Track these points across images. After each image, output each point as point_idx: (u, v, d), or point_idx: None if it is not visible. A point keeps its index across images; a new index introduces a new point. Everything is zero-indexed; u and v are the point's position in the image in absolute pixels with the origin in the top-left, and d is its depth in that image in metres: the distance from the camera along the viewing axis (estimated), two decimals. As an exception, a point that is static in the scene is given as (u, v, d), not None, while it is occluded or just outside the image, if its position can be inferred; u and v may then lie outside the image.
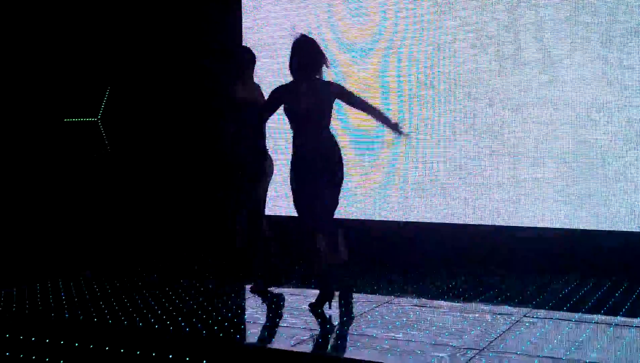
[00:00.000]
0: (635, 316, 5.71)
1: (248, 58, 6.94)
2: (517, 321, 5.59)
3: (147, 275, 7.58)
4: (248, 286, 6.90)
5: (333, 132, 6.17)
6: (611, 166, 7.18)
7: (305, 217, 6.16)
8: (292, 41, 6.16)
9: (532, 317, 5.70)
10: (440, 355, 4.84)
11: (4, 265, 8.19)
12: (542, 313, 5.85)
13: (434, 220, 7.96)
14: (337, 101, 6.14)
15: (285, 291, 6.77)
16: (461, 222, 7.84)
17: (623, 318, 5.65)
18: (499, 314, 5.81)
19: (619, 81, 7.10)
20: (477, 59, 7.70)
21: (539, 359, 4.71)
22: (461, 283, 6.95)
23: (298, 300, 6.41)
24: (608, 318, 5.64)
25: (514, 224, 7.60)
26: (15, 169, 9.36)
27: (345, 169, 6.16)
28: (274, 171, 6.90)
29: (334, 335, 5.47)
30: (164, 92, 9.53)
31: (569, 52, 7.30)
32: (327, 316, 5.88)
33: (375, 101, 7.05)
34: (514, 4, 7.51)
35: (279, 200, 8.31)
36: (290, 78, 6.15)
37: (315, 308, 6.07)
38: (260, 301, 6.53)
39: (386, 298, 6.45)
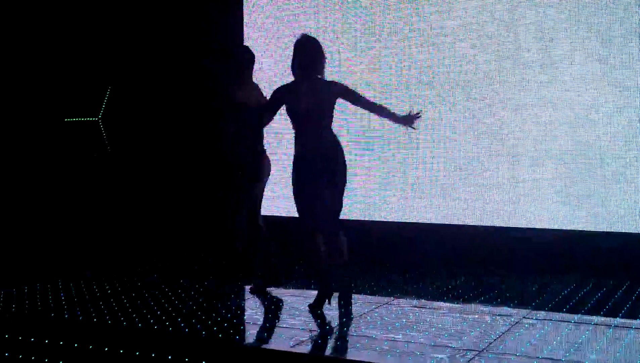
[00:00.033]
0: (635, 318, 5.71)
1: (248, 58, 6.93)
2: (517, 322, 5.59)
3: (147, 275, 7.58)
4: (248, 287, 6.90)
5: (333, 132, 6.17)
6: (610, 167, 7.17)
7: (305, 217, 6.16)
8: (293, 41, 6.17)
9: (532, 318, 5.70)
10: (440, 356, 4.83)
11: (4, 265, 8.19)
12: (541, 314, 5.85)
13: (433, 221, 7.97)
14: (339, 101, 6.14)
15: (285, 291, 6.78)
16: (461, 223, 7.85)
17: (622, 320, 5.64)
18: (499, 315, 5.81)
19: (618, 82, 7.10)
20: (477, 59, 7.70)
21: (539, 360, 4.71)
22: (461, 284, 6.95)
23: (298, 301, 6.40)
24: (607, 320, 5.64)
25: (513, 225, 7.60)
26: (16, 170, 9.37)
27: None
28: (272, 171, 6.90)
29: (333, 336, 5.46)
30: (164, 92, 9.53)
31: (569, 53, 7.30)
32: (327, 317, 5.88)
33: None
34: (514, 4, 7.50)
35: (279, 200, 8.32)
36: (291, 78, 6.15)
37: (315, 309, 6.07)
38: (260, 301, 6.53)
39: (386, 299, 6.44)
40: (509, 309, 6.01)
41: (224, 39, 8.97)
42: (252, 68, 6.93)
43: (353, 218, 8.09)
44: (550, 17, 7.36)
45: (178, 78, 9.40)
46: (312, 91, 6.05)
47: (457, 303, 6.24)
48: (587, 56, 7.23)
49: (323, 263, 6.17)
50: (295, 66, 6.11)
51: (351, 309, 6.03)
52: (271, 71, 8.52)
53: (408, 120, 6.07)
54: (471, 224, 7.79)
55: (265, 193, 6.94)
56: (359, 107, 6.36)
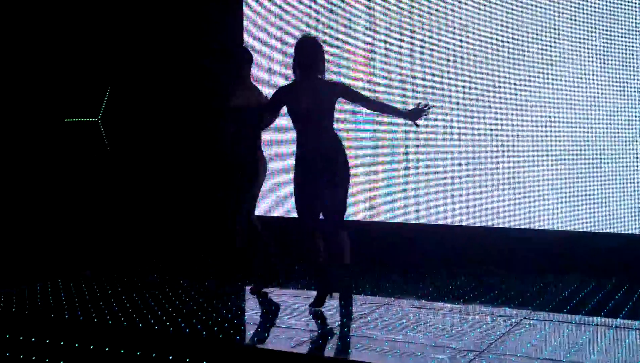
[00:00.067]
0: (636, 319, 5.70)
1: (247, 58, 6.94)
2: (517, 323, 5.59)
3: (147, 275, 7.58)
4: (248, 287, 6.90)
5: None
6: (610, 167, 7.17)
7: (305, 217, 6.17)
8: (294, 41, 6.18)
9: (532, 319, 5.70)
10: (440, 357, 4.84)
11: (4, 265, 8.19)
12: (542, 315, 5.85)
13: (433, 221, 7.96)
14: (342, 101, 6.15)
15: (285, 292, 6.78)
16: (461, 223, 7.84)
17: (623, 321, 5.64)
18: (499, 316, 5.81)
19: (618, 81, 7.10)
20: (477, 59, 7.69)
21: (539, 361, 4.71)
22: (461, 285, 6.94)
23: (298, 301, 6.41)
24: (608, 320, 5.64)
25: (513, 226, 7.59)
26: (16, 170, 9.36)
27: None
28: (272, 172, 6.91)
29: (333, 337, 5.46)
30: (164, 92, 9.53)
31: (569, 52, 7.30)
32: (327, 318, 5.88)
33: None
34: (514, 4, 7.50)
35: (279, 200, 8.33)
36: (292, 78, 6.16)
37: (315, 308, 6.08)
38: (260, 302, 6.52)
39: (386, 299, 6.44)
40: (509, 310, 6.01)
41: (224, 39, 8.96)
42: (250, 68, 6.94)
43: (353, 218, 8.09)
44: (550, 17, 7.36)
45: (178, 78, 9.40)
46: (312, 91, 6.05)
47: (457, 304, 6.24)
48: (587, 56, 7.22)
49: (322, 263, 6.18)
50: (296, 67, 6.12)
51: (352, 309, 6.03)
52: (272, 72, 8.51)
53: (415, 114, 6.06)
54: (471, 224, 7.79)
55: (265, 193, 6.95)
56: (359, 107, 6.37)
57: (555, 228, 7.38)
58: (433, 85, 7.87)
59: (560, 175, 7.37)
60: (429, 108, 6.06)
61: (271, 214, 8.55)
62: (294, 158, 6.24)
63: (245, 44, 8.69)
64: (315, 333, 5.53)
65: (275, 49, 8.69)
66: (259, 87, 6.94)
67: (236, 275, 7.01)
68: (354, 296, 6.24)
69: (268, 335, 5.52)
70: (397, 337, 5.28)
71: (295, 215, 6.23)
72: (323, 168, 6.08)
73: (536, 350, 4.95)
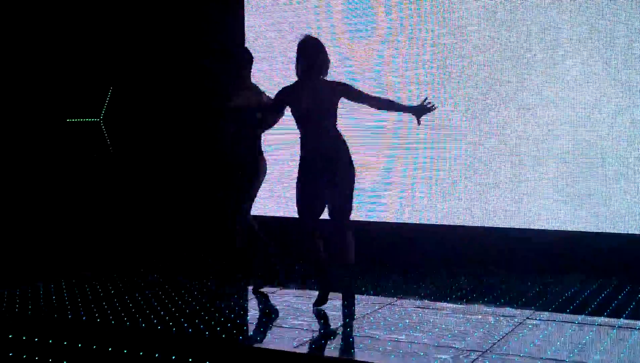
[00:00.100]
0: (639, 319, 5.71)
1: (247, 58, 6.94)
2: (520, 323, 5.58)
3: (149, 275, 7.57)
4: (250, 287, 6.91)
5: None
6: (612, 167, 7.17)
7: (305, 217, 6.18)
8: (296, 42, 6.18)
9: (535, 319, 5.70)
10: (443, 357, 4.84)
11: (7, 265, 8.18)
12: (545, 315, 5.84)
13: (434, 221, 7.96)
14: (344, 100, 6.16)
15: (287, 292, 6.77)
16: (462, 223, 7.84)
17: (626, 321, 5.65)
18: (502, 316, 5.81)
19: (620, 82, 7.10)
20: (479, 59, 7.69)
21: (542, 361, 4.71)
22: (463, 285, 6.94)
23: (300, 301, 6.41)
24: (611, 320, 5.64)
25: (514, 226, 7.59)
26: (19, 170, 9.36)
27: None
28: (272, 172, 6.91)
29: (336, 337, 5.46)
30: (164, 92, 9.52)
31: (571, 53, 7.30)
32: (330, 318, 5.88)
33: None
34: (516, 4, 7.50)
35: (279, 200, 8.33)
36: (295, 79, 6.16)
37: (319, 307, 6.09)
38: (263, 302, 6.52)
39: (389, 299, 6.44)
40: (512, 310, 6.01)
41: (224, 39, 8.95)
42: (251, 69, 6.93)
43: (353, 218, 8.07)
44: (552, 17, 7.36)
45: (178, 78, 9.39)
46: (313, 91, 6.06)
47: (460, 304, 6.24)
48: (589, 56, 7.23)
49: (323, 262, 6.19)
50: (298, 67, 6.12)
51: (354, 309, 6.03)
52: (273, 72, 8.51)
53: (420, 111, 6.06)
54: (472, 224, 7.79)
55: (265, 192, 6.95)
56: (360, 107, 6.36)
57: (557, 228, 7.38)
58: (434, 85, 7.87)
59: (562, 175, 7.37)
60: (434, 107, 6.07)
61: (271, 215, 8.55)
62: (293, 158, 6.25)
63: (247, 44, 8.68)
64: (318, 333, 5.52)
65: (277, 49, 8.69)
66: (262, 88, 6.94)
67: (236, 275, 7.01)
68: (356, 296, 6.24)
69: (271, 335, 5.53)
70: (399, 337, 5.28)
71: (296, 215, 6.23)
72: (323, 168, 6.08)
73: (539, 350, 4.95)
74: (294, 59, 6.16)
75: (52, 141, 9.74)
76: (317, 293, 6.24)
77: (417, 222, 8.06)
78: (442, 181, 7.92)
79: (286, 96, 6.14)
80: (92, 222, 9.62)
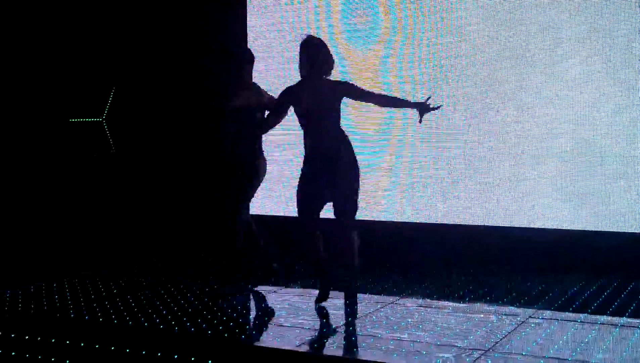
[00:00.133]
0: (641, 317, 5.73)
1: (247, 58, 6.95)
2: (523, 322, 5.58)
3: (151, 275, 7.57)
4: (252, 287, 6.91)
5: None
6: (612, 165, 7.16)
7: (304, 216, 6.20)
8: (299, 42, 6.19)
9: (538, 318, 5.70)
10: (446, 355, 4.84)
11: (9, 265, 8.18)
12: (547, 313, 5.85)
13: (435, 220, 7.96)
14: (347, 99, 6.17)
15: (289, 291, 6.77)
16: (462, 222, 7.84)
17: (629, 319, 5.65)
18: (504, 315, 5.81)
19: (620, 81, 7.10)
20: (479, 58, 7.70)
21: (545, 360, 4.71)
22: (464, 284, 6.94)
23: (302, 301, 6.41)
24: (613, 319, 5.64)
25: (515, 224, 7.60)
26: (21, 170, 9.36)
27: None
28: (272, 172, 6.92)
29: (338, 336, 5.45)
30: (164, 92, 9.52)
31: (571, 52, 7.30)
32: (332, 317, 5.88)
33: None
34: (516, 3, 7.50)
35: (279, 200, 8.32)
36: (295, 78, 6.17)
37: (320, 304, 6.14)
38: (265, 301, 6.53)
39: (391, 298, 6.44)
40: (514, 308, 6.02)
41: (224, 39, 8.96)
42: (252, 69, 6.94)
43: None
44: (552, 17, 7.37)
45: (178, 78, 9.39)
46: (315, 91, 6.06)
47: (462, 303, 6.24)
48: (589, 55, 7.23)
49: (322, 261, 6.20)
50: (301, 67, 6.13)
51: (356, 308, 6.03)
52: (275, 72, 8.51)
53: (424, 108, 6.06)
54: (473, 223, 7.79)
55: (265, 192, 6.95)
56: (361, 106, 6.37)
57: (558, 227, 7.39)
58: (435, 85, 7.87)
59: (562, 174, 7.37)
60: (438, 106, 6.08)
61: (272, 214, 8.56)
62: (293, 158, 6.26)
63: (249, 44, 8.68)
64: (320, 332, 5.52)
65: (278, 49, 8.69)
66: (263, 87, 6.94)
67: (236, 275, 7.00)
68: (358, 295, 6.24)
69: (273, 334, 5.52)
70: (402, 336, 5.28)
71: (296, 214, 6.25)
72: (323, 168, 6.09)
73: (542, 348, 4.95)
74: (295, 58, 6.17)
75: (53, 142, 9.74)
76: (317, 292, 6.27)
77: (418, 221, 8.06)
78: (442, 180, 7.92)
79: (289, 96, 6.14)
80: (93, 222, 9.62)
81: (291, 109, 6.20)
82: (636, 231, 7.08)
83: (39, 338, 5.51)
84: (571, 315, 5.78)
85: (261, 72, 8.34)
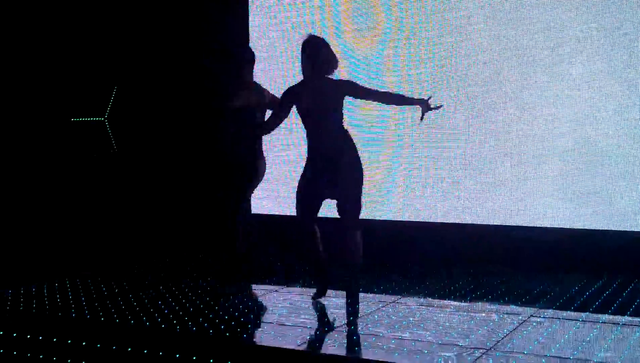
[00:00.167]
0: (642, 316, 5.73)
1: (247, 58, 6.95)
2: (524, 320, 5.59)
3: (151, 274, 7.57)
4: (254, 286, 6.92)
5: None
6: (615, 164, 7.15)
7: (301, 215, 6.23)
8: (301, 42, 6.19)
9: (539, 317, 5.70)
10: (447, 354, 4.84)
11: (10, 264, 8.18)
12: (549, 312, 5.85)
13: (437, 219, 7.95)
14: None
15: (289, 290, 6.77)
16: (464, 221, 7.84)
17: (630, 318, 5.64)
18: (506, 314, 5.81)
19: (624, 80, 7.09)
20: (481, 57, 7.69)
21: (546, 359, 4.71)
22: (466, 283, 6.94)
23: (303, 300, 6.41)
24: (615, 318, 5.64)
25: (517, 224, 7.59)
26: (22, 170, 9.36)
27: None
28: (272, 172, 6.93)
29: (340, 335, 5.45)
30: (164, 92, 9.52)
31: (574, 51, 7.29)
32: (334, 316, 5.88)
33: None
34: (519, 2, 7.50)
35: (280, 200, 8.33)
36: (298, 77, 6.18)
37: (318, 299, 6.21)
38: (267, 301, 6.53)
39: (392, 297, 6.44)
40: (516, 307, 6.01)
41: (225, 39, 8.95)
42: (252, 68, 6.94)
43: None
44: (556, 15, 7.36)
45: (178, 78, 9.39)
46: (317, 90, 6.06)
47: (464, 302, 6.24)
48: (593, 54, 7.22)
49: (320, 258, 6.22)
50: (302, 67, 6.13)
51: (358, 307, 6.03)
52: (279, 71, 8.51)
53: (426, 106, 6.05)
54: (475, 222, 7.79)
55: (265, 192, 6.96)
56: (363, 104, 6.37)
57: (561, 226, 7.38)
58: (437, 84, 7.87)
59: (566, 173, 7.36)
60: (439, 106, 6.09)
61: (271, 214, 8.57)
62: (292, 158, 6.27)
63: (251, 44, 8.68)
64: (322, 332, 5.52)
65: (281, 48, 8.70)
66: (269, 87, 6.94)
67: (237, 274, 7.01)
68: (359, 294, 6.24)
69: (274, 333, 5.51)
70: (403, 335, 5.28)
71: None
72: (323, 168, 6.09)
73: (543, 347, 4.95)
74: (299, 57, 6.17)
75: (53, 141, 9.74)
76: (315, 289, 6.31)
77: (420, 220, 8.06)
78: (445, 179, 7.91)
79: (291, 96, 6.14)
80: (94, 221, 9.61)
81: (294, 110, 6.20)
82: (638, 231, 7.08)
83: (40, 338, 5.51)
84: (572, 314, 5.78)
85: (265, 72, 8.36)
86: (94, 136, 9.90)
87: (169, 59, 9.48)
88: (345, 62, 8.17)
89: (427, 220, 8.01)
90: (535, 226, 7.50)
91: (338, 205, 6.15)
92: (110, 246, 9.18)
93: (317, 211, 6.25)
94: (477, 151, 7.74)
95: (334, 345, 5.27)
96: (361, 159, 6.16)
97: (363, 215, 6.25)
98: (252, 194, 7.35)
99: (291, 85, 6.19)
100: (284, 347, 5.13)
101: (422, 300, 6.35)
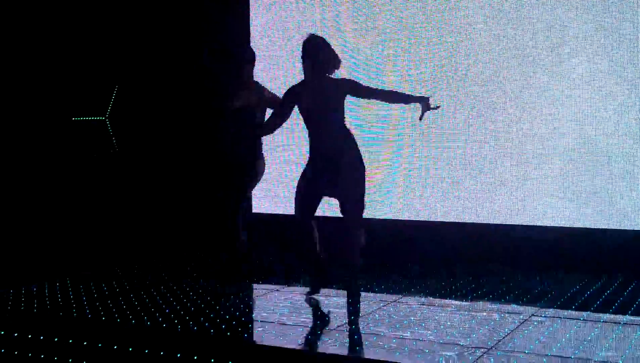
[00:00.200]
0: (644, 315, 5.73)
1: (247, 58, 6.95)
2: (525, 320, 5.58)
3: (151, 274, 7.57)
4: (255, 285, 6.92)
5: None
6: (617, 164, 7.14)
7: (298, 214, 6.28)
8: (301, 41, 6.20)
9: (540, 316, 5.70)
10: (448, 354, 4.83)
11: (11, 264, 8.18)
12: (550, 311, 5.85)
13: (438, 219, 7.95)
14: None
15: (290, 290, 6.77)
16: (466, 220, 7.83)
17: (631, 317, 5.64)
18: (507, 313, 5.81)
19: (626, 79, 7.08)
20: (483, 57, 7.68)
21: (548, 358, 4.71)
22: (468, 282, 6.94)
23: (304, 300, 6.41)
24: (616, 317, 5.64)
25: (519, 223, 7.58)
26: (22, 170, 9.36)
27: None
28: (271, 171, 6.94)
29: (341, 334, 5.45)
30: (164, 92, 9.51)
31: (577, 50, 7.28)
32: (335, 315, 5.88)
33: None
34: (522, 1, 7.49)
35: (279, 200, 8.33)
36: (299, 77, 6.18)
37: (312, 295, 6.28)
38: (267, 300, 6.53)
39: (393, 297, 6.44)
40: (517, 307, 6.01)
41: (225, 39, 8.95)
42: (253, 68, 6.94)
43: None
44: (558, 15, 7.35)
45: (178, 78, 9.38)
46: (318, 90, 6.07)
47: (465, 301, 6.24)
48: (595, 54, 7.21)
49: (315, 256, 6.24)
50: (303, 66, 6.13)
51: (359, 307, 6.03)
52: (281, 71, 8.51)
53: (426, 105, 6.05)
54: (477, 222, 7.78)
55: (265, 192, 6.96)
56: (368, 103, 6.38)
57: (563, 225, 7.38)
58: (437, 84, 7.86)
59: (568, 173, 7.35)
60: (437, 107, 6.09)
61: (271, 213, 8.57)
62: (294, 157, 6.27)
63: (252, 44, 8.67)
64: (323, 331, 5.52)
65: (282, 48, 8.70)
66: (270, 86, 6.94)
67: (237, 274, 7.01)
68: (361, 293, 6.25)
69: (275, 333, 5.51)
70: (405, 334, 5.28)
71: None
72: (323, 168, 6.10)
73: (544, 346, 4.95)
74: (299, 57, 6.18)
75: (53, 141, 9.73)
76: (320, 291, 6.29)
77: (422, 219, 8.05)
78: (447, 179, 7.90)
79: (292, 96, 6.15)
80: (95, 221, 9.61)
81: (295, 110, 6.21)
82: (638, 229, 7.07)
83: (41, 338, 5.51)
84: (574, 313, 5.79)
85: (265, 71, 8.36)
86: (94, 136, 9.90)
87: (169, 59, 9.47)
88: (346, 62, 8.15)
89: (430, 219, 8.00)
90: (537, 225, 7.49)
91: (340, 204, 6.16)
92: (111, 246, 9.18)
93: (314, 210, 6.28)
94: (478, 150, 7.74)
95: (335, 344, 5.25)
96: (364, 159, 6.17)
97: (366, 214, 6.27)
98: (252, 194, 7.34)
99: (292, 85, 6.19)
100: (285, 346, 5.12)
101: (423, 299, 6.35)
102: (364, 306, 6.07)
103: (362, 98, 6.30)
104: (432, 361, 4.71)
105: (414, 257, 7.88)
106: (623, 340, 5.13)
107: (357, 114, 7.86)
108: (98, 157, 9.90)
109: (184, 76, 9.31)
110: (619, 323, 5.49)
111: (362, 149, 6.26)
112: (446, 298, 6.37)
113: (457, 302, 6.23)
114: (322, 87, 6.08)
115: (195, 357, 5.01)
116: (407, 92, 6.37)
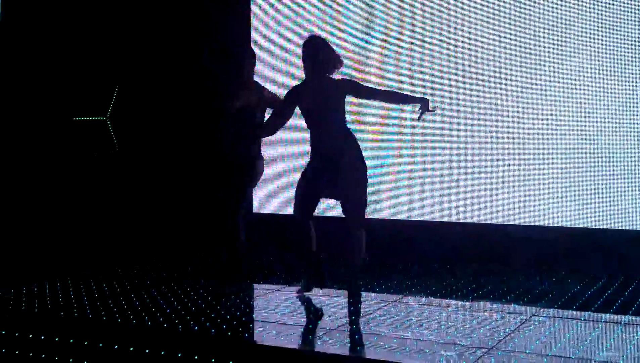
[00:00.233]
0: (644, 315, 5.73)
1: (247, 57, 6.95)
2: (526, 320, 5.58)
3: (152, 274, 7.56)
4: (256, 285, 6.91)
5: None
6: (619, 163, 7.14)
7: (297, 213, 6.29)
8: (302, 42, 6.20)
9: (541, 316, 5.70)
10: (449, 353, 4.83)
11: (12, 264, 8.18)
12: (550, 311, 5.85)
13: (439, 219, 7.94)
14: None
15: (292, 290, 6.76)
16: (467, 220, 7.83)
17: (632, 317, 5.64)
18: (508, 313, 5.82)
19: (628, 78, 7.08)
20: (485, 56, 7.68)
21: (548, 358, 4.70)
22: (468, 282, 6.94)
23: (304, 300, 6.41)
24: (617, 317, 5.64)
25: (520, 223, 7.58)
26: (22, 170, 9.36)
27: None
28: (271, 171, 6.94)
29: (342, 334, 5.44)
30: (164, 92, 9.51)
31: (579, 50, 7.28)
32: (335, 315, 5.87)
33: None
34: (524, 0, 7.49)
35: (278, 199, 8.33)
36: (301, 77, 6.19)
37: (303, 293, 6.33)
38: (268, 300, 6.53)
39: (394, 297, 6.44)
40: (518, 307, 6.01)
41: (225, 38, 8.95)
42: (253, 68, 6.94)
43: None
44: (560, 14, 7.35)
45: (178, 78, 9.38)
46: (317, 90, 6.07)
47: (465, 301, 6.24)
48: (597, 53, 7.21)
49: (310, 255, 6.25)
50: (304, 66, 6.13)
51: (360, 307, 6.03)
52: (281, 70, 8.51)
53: (425, 106, 6.05)
54: (479, 221, 7.78)
55: (265, 192, 6.96)
56: (369, 102, 6.38)
57: (564, 225, 7.38)
58: (439, 83, 7.86)
59: (569, 172, 7.35)
60: (434, 109, 6.10)
61: (271, 213, 8.56)
62: (293, 157, 6.28)
63: (252, 44, 8.67)
64: (324, 331, 5.51)
65: (283, 47, 8.69)
66: (271, 86, 6.94)
67: (237, 274, 7.00)
68: (361, 293, 6.25)
69: (276, 333, 5.51)
70: (405, 334, 5.28)
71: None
72: (323, 168, 6.10)
73: (545, 346, 4.94)
74: (300, 57, 6.18)
75: (54, 141, 9.73)
76: (321, 291, 6.29)
77: (423, 219, 8.05)
78: (445, 179, 7.91)
79: (293, 96, 6.15)
80: (95, 221, 9.61)
81: (297, 110, 6.21)
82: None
83: (42, 337, 5.50)
84: (574, 313, 5.79)
85: (266, 71, 8.35)
86: (95, 136, 9.90)
87: (169, 59, 9.47)
88: (346, 62, 8.15)
89: (431, 219, 8.00)
90: (538, 224, 7.49)
91: (341, 204, 6.16)
92: (112, 246, 9.17)
93: (312, 209, 6.28)
94: (478, 150, 7.73)
95: (335, 344, 5.24)
96: (365, 159, 6.17)
97: (366, 214, 6.28)
98: (252, 194, 7.34)
99: (294, 85, 6.20)
100: (286, 346, 5.12)
101: (423, 299, 6.36)
102: (364, 306, 6.07)
103: (362, 98, 6.29)
104: (433, 361, 4.70)
105: (414, 257, 7.89)
106: (624, 340, 5.12)
107: (357, 114, 7.85)
108: (98, 157, 9.90)
109: (184, 76, 9.31)
110: (620, 323, 5.49)
111: (361, 150, 6.26)
112: (447, 298, 6.38)
113: (457, 302, 6.23)
114: (322, 87, 6.08)
115: (196, 357, 5.00)
116: (407, 93, 6.36)
